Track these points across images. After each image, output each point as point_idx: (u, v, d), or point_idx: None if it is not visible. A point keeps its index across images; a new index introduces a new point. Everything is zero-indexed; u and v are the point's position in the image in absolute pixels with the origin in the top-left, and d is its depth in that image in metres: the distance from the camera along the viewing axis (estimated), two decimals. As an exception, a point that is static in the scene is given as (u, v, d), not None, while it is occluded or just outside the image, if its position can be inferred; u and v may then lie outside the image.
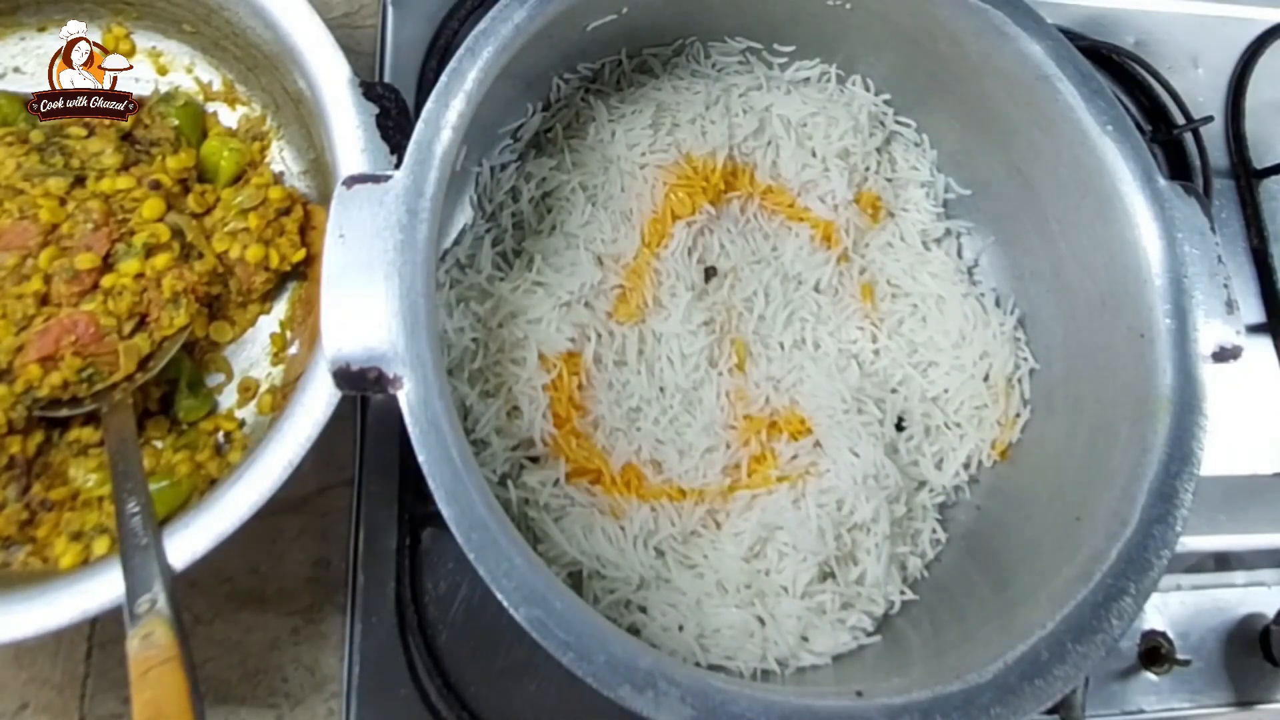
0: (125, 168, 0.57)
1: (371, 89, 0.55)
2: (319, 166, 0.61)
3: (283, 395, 0.58)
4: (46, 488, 0.54)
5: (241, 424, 0.59)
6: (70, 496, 0.54)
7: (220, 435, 0.58)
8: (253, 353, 0.61)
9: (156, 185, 0.56)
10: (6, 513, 0.52)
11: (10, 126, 0.57)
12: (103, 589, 0.46)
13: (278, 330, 0.61)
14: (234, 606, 0.60)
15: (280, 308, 0.61)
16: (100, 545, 0.52)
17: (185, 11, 0.61)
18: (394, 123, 0.54)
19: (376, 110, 0.54)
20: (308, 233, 0.61)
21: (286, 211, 0.60)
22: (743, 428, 0.59)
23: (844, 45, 0.65)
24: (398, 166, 0.46)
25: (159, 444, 0.57)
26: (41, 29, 0.62)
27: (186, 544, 0.47)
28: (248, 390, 0.59)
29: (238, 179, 0.61)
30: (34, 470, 0.54)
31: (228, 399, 0.59)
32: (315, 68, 0.55)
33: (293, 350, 0.60)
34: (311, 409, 0.49)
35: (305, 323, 0.60)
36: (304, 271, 0.61)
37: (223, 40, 0.62)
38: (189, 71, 0.64)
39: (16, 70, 0.62)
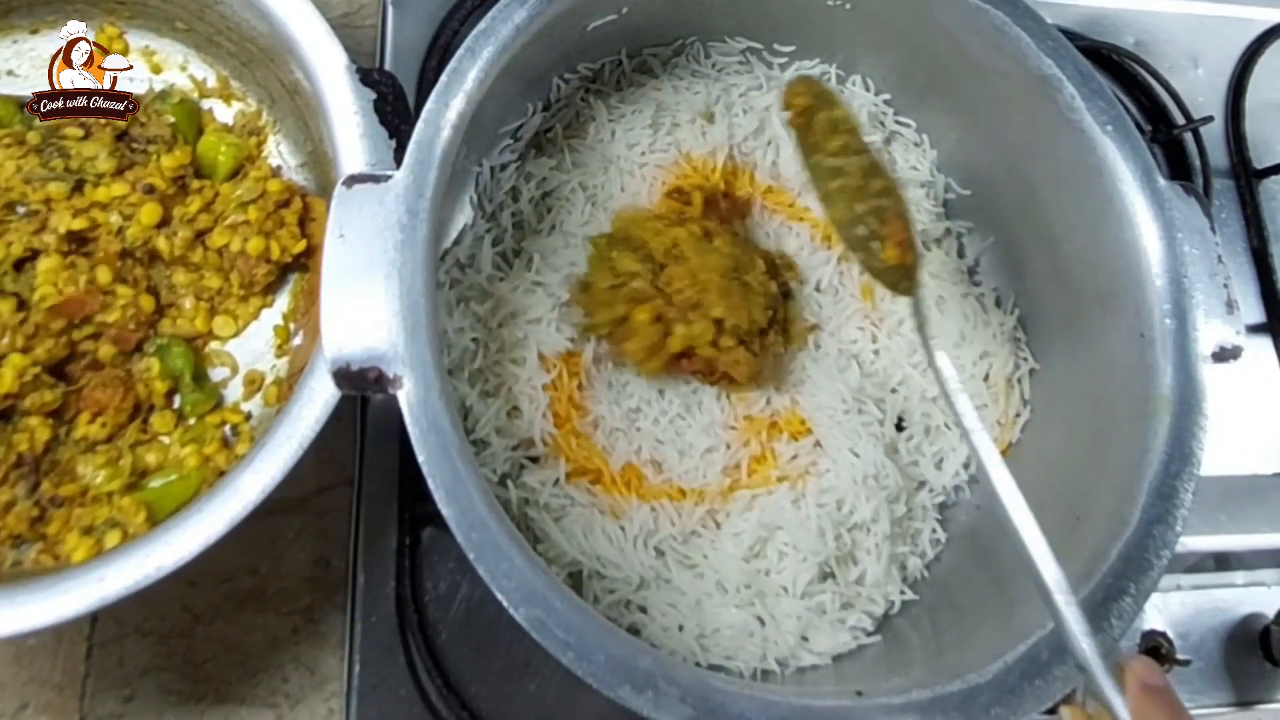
0: (120, 171, 0.57)
1: (368, 75, 0.55)
2: (317, 158, 0.61)
3: (288, 386, 0.58)
4: (56, 484, 0.54)
5: (248, 417, 0.59)
6: (80, 493, 0.54)
7: (227, 428, 0.58)
8: (257, 345, 0.61)
9: (150, 189, 0.57)
10: (17, 510, 0.52)
11: (7, 128, 0.57)
12: (115, 578, 0.45)
13: (280, 322, 0.61)
14: (234, 606, 0.60)
15: (283, 300, 0.62)
16: (112, 539, 0.52)
17: (178, 9, 0.61)
18: (392, 108, 0.54)
19: (374, 96, 0.54)
20: (307, 224, 0.61)
21: (285, 204, 0.60)
22: (743, 428, 0.59)
23: (844, 45, 0.65)
24: (398, 151, 0.46)
25: (166, 439, 0.57)
26: (34, 31, 0.62)
27: (199, 531, 0.46)
28: (253, 383, 0.60)
29: (236, 174, 0.61)
30: (42, 467, 0.54)
31: (234, 392, 0.60)
32: (312, 57, 0.55)
33: (297, 341, 0.60)
34: (317, 396, 0.49)
35: (308, 314, 0.60)
36: (305, 263, 0.61)
37: (216, 36, 0.62)
38: (183, 69, 0.64)
39: (10, 73, 0.62)
